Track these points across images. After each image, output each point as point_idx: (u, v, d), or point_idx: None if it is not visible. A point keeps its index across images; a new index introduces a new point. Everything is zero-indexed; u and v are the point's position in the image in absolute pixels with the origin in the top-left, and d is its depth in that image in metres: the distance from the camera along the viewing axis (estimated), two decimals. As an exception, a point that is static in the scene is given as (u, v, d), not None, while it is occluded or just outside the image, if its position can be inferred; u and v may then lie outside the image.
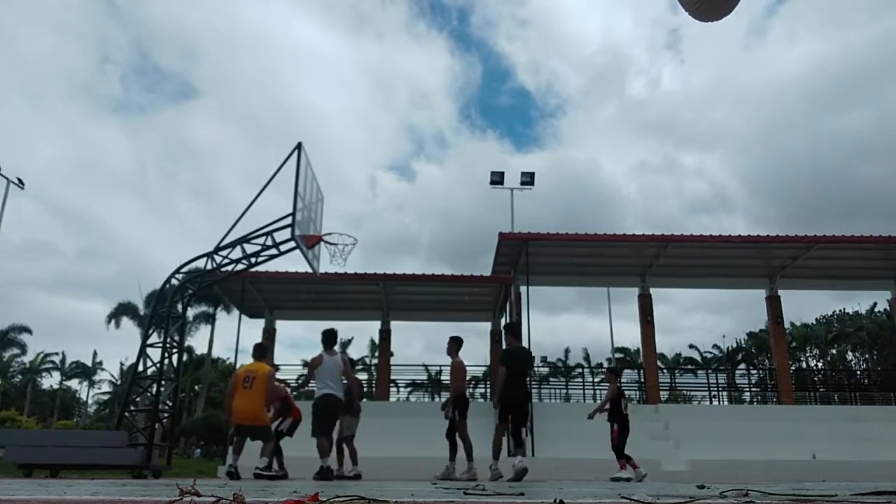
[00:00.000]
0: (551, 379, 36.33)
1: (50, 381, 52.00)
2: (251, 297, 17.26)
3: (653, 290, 17.89)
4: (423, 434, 10.42)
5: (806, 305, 76.46)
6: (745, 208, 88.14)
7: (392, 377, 19.98)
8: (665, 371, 33.82)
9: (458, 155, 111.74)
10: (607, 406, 8.84)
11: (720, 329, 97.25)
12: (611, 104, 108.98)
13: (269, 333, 18.40)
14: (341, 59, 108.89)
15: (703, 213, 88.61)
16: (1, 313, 72.99)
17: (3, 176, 22.86)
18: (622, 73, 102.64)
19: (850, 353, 42.55)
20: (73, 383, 53.80)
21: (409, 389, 31.90)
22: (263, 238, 11.37)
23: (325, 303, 19.04)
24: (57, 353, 50.20)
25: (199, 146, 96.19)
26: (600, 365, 43.74)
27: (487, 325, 19.56)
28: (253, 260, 11.59)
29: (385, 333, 19.03)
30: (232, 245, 11.48)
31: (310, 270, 12.70)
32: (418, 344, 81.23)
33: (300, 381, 9.14)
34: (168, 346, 11.52)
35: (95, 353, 51.43)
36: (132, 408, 11.96)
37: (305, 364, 33.59)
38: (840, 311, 44.36)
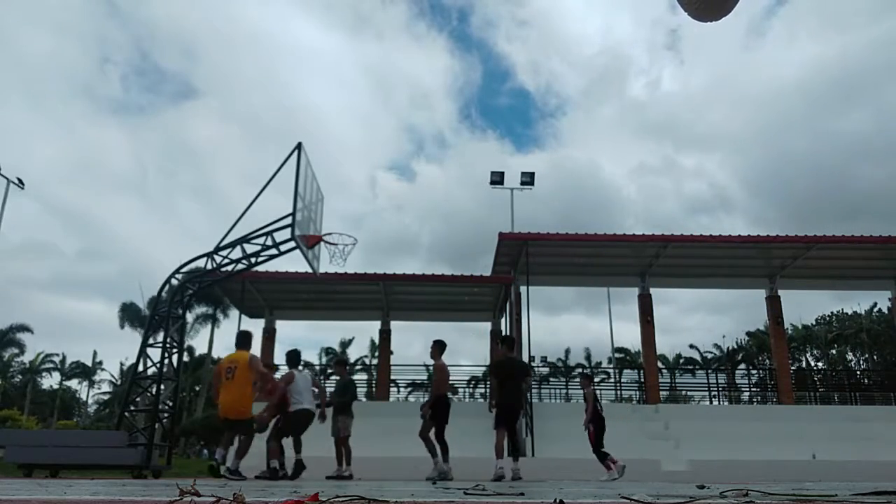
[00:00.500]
0: (551, 379, 36.36)
1: (50, 381, 52.05)
2: (251, 297, 17.27)
3: (653, 290, 17.89)
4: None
5: (806, 306, 76.43)
6: (744, 209, 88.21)
7: (392, 377, 19.98)
8: (665, 371, 33.86)
9: (458, 155, 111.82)
10: (589, 409, 9.31)
11: (720, 329, 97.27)
12: (611, 105, 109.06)
13: (269, 333, 18.41)
14: (341, 59, 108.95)
15: (702, 213, 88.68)
16: (1, 313, 73.04)
17: (3, 176, 22.88)
18: (622, 74, 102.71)
19: (849, 353, 42.54)
20: (73, 383, 53.85)
21: (409, 389, 31.94)
22: (263, 238, 11.36)
23: (325, 303, 19.04)
24: (57, 354, 50.27)
25: (199, 146, 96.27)
26: (600, 364, 43.80)
27: (487, 325, 19.57)
28: (253, 260, 11.58)
29: (385, 333, 19.03)
30: (232, 245, 11.47)
31: (310, 270, 12.69)
32: (418, 344, 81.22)
33: (270, 405, 8.92)
34: (168, 346, 11.52)
35: (95, 353, 51.51)
36: (132, 408, 11.95)
37: (305, 365, 33.65)
38: (840, 311, 44.41)
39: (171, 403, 11.74)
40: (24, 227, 77.44)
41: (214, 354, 35.01)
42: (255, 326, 19.05)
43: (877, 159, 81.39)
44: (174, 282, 11.81)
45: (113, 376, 51.11)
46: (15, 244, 65.04)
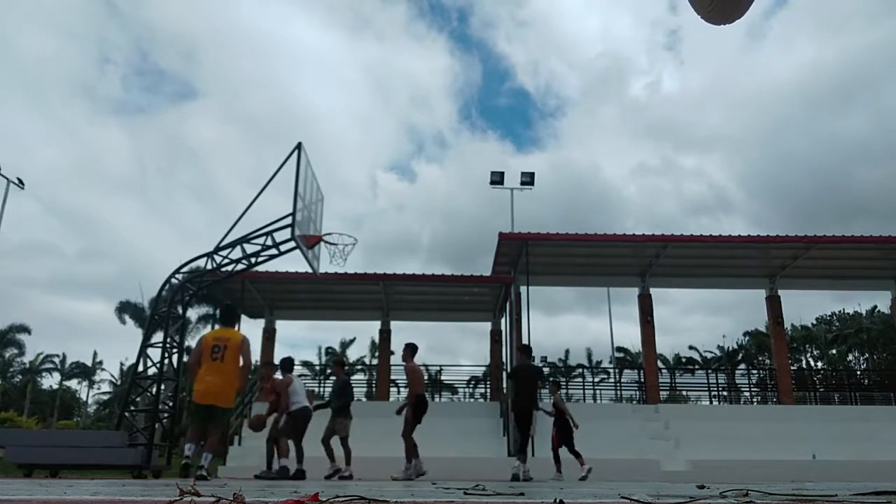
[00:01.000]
0: (551, 379, 36.28)
1: (50, 381, 51.98)
2: (251, 297, 17.27)
3: (653, 291, 17.89)
4: (422, 434, 10.43)
5: (806, 306, 76.45)
6: (743, 210, 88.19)
7: (392, 377, 19.97)
8: (665, 371, 33.86)
9: (459, 155, 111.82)
10: (552, 412, 10.05)
11: (720, 329, 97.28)
12: (611, 105, 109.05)
13: (269, 333, 18.41)
14: (341, 60, 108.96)
15: (702, 214, 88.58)
16: (1, 313, 73.05)
17: (3, 176, 22.88)
18: (622, 75, 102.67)
19: (849, 353, 42.55)
20: (73, 383, 53.82)
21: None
22: (263, 238, 11.36)
23: (325, 303, 19.05)
24: (57, 354, 50.23)
25: (199, 146, 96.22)
26: (600, 363, 43.85)
27: (487, 325, 19.56)
28: (253, 260, 11.58)
29: (385, 333, 19.03)
30: (232, 245, 11.47)
31: (310, 270, 12.70)
32: (418, 344, 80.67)
33: (270, 404, 9.04)
34: (168, 346, 11.52)
35: (95, 354, 51.44)
36: (132, 408, 11.95)
37: (304, 364, 33.61)
38: (841, 311, 44.44)
39: (171, 403, 11.74)
40: (24, 227, 77.33)
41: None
42: (255, 326, 19.09)
43: (875, 161, 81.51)
44: (174, 282, 11.81)
45: (113, 376, 51.08)
46: (15, 244, 65.02)
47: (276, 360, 10.30)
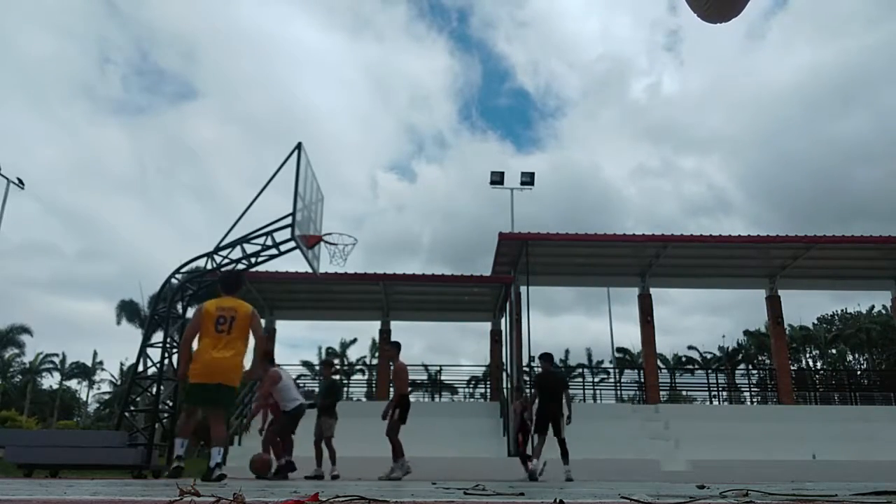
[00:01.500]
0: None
1: (50, 381, 51.99)
2: (251, 297, 17.25)
3: (653, 291, 17.89)
4: (422, 434, 10.45)
5: (806, 306, 76.43)
6: (743, 211, 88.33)
7: (392, 377, 19.96)
8: (665, 371, 33.85)
9: (459, 156, 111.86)
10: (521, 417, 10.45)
11: (720, 329, 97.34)
12: (611, 106, 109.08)
13: (270, 334, 18.41)
14: (341, 60, 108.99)
15: (702, 215, 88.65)
16: (1, 313, 73.04)
17: (3, 176, 22.88)
18: (622, 76, 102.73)
19: (849, 354, 42.56)
20: (73, 383, 53.82)
21: (409, 389, 31.84)
22: (263, 238, 11.36)
23: (325, 303, 19.04)
24: (57, 354, 50.23)
25: (199, 146, 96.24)
26: (601, 363, 43.87)
27: (487, 325, 19.56)
28: (253, 260, 11.57)
29: (385, 333, 19.04)
30: (232, 245, 11.47)
31: (310, 270, 12.69)
32: (418, 344, 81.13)
33: (257, 398, 8.79)
34: (168, 346, 11.52)
35: (95, 354, 51.45)
36: (132, 408, 11.95)
37: (304, 364, 33.58)
38: (843, 310, 44.46)
39: (171, 403, 11.73)
40: (24, 227, 77.34)
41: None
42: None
43: (874, 162, 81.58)
44: (174, 281, 11.81)
45: (113, 376, 51.08)
46: (15, 244, 65.04)
47: (276, 362, 10.23)
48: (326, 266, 12.93)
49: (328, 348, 40.93)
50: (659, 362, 20.76)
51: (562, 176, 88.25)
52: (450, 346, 72.87)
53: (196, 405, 5.82)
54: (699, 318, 72.60)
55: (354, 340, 40.49)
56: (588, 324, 78.35)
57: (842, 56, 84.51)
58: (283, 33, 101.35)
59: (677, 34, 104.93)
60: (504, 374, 17.49)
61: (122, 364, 48.53)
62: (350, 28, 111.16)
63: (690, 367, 40.92)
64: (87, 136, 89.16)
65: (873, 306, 40.66)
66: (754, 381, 27.68)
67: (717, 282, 18.83)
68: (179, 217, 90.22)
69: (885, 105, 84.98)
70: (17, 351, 44.46)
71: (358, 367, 39.90)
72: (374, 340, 38.44)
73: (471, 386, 29.51)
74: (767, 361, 37.36)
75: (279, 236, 11.30)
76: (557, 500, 1.89)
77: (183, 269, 12.00)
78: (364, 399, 23.81)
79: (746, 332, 42.21)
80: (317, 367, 33.48)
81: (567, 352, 46.58)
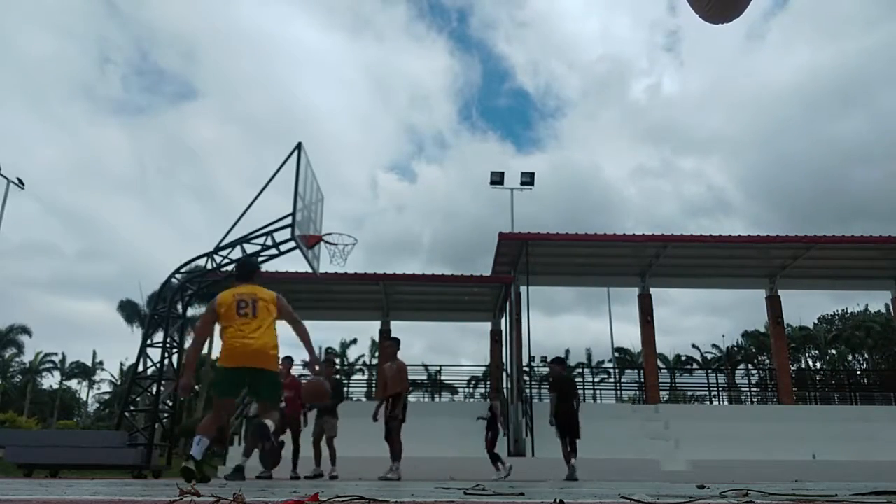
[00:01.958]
0: (551, 379, 36.25)
1: (50, 381, 52.01)
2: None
3: (653, 291, 17.88)
4: (422, 434, 10.45)
5: (806, 306, 76.50)
6: (743, 211, 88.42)
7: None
8: (665, 371, 33.84)
9: (459, 156, 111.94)
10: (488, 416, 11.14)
11: (720, 330, 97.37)
12: (611, 107, 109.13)
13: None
14: (341, 60, 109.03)
15: (702, 215, 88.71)
16: (1, 313, 73.03)
17: (3, 176, 22.89)
18: (622, 77, 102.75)
19: (849, 354, 42.56)
20: (73, 383, 53.83)
21: (409, 389, 31.82)
22: (263, 238, 11.37)
23: (325, 303, 19.03)
24: (57, 354, 50.25)
25: (199, 146, 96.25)
26: (601, 363, 43.89)
27: (487, 325, 19.55)
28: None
29: (385, 333, 19.02)
30: (232, 245, 11.48)
31: (310, 270, 12.70)
32: (418, 344, 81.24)
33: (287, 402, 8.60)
34: (168, 346, 11.53)
35: (95, 353, 51.49)
36: (132, 408, 11.96)
37: (304, 364, 33.55)
38: (843, 310, 44.48)
39: (171, 403, 11.74)
40: (24, 227, 77.41)
41: (214, 355, 34.97)
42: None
43: (874, 162, 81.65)
44: (174, 281, 11.82)
45: (113, 376, 51.11)
46: (15, 244, 65.08)
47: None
48: (326, 266, 12.95)
49: (328, 348, 40.95)
50: (659, 362, 20.75)
51: (562, 176, 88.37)
52: (450, 346, 72.98)
53: (227, 395, 4.88)
54: (699, 319, 72.73)
55: (354, 340, 40.55)
56: (588, 324, 78.53)
57: (841, 57, 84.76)
58: (282, 33, 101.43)
59: (677, 35, 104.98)
60: (504, 375, 17.49)
61: (122, 364, 48.57)
62: (350, 28, 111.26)
63: (690, 367, 40.94)
64: (87, 136, 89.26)
65: (867, 305, 40.73)
66: (754, 381, 27.69)
67: (717, 282, 18.83)
68: (179, 217, 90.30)
69: (884, 106, 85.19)
70: (16, 351, 44.49)
71: (358, 368, 39.93)
72: (373, 340, 38.51)
73: (471, 386, 29.50)
74: (767, 361, 37.36)
75: (279, 236, 11.32)
76: (557, 500, 1.89)
77: (183, 269, 12.02)
78: (364, 399, 23.77)
79: (745, 334, 42.27)
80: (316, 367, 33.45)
81: (567, 352, 46.58)
